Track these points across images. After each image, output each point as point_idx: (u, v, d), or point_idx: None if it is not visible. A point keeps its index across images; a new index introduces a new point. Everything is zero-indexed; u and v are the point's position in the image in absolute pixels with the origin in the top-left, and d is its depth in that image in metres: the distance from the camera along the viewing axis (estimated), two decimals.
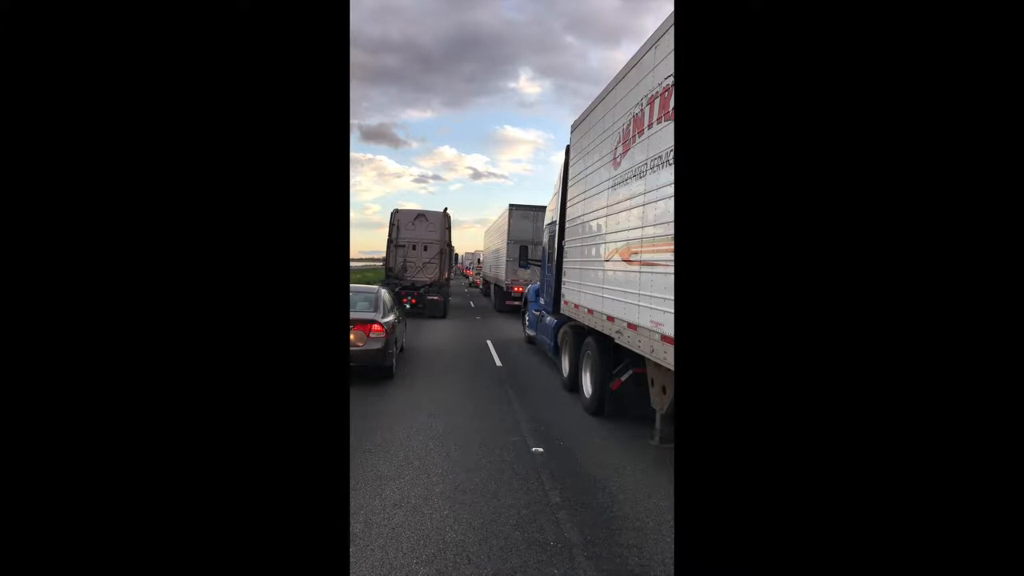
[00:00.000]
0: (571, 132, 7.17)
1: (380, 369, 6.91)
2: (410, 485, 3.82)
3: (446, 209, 14.80)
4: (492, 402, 6.30)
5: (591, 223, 5.91)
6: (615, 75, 5.38)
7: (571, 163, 7.08)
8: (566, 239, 7.16)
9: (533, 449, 4.69)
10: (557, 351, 7.76)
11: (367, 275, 37.49)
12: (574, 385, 6.64)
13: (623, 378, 5.33)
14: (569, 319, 7.04)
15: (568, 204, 7.07)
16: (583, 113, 6.59)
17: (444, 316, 14.56)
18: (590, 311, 5.83)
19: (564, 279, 7.21)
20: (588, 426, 5.50)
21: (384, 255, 15.25)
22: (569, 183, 7.07)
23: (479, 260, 33.14)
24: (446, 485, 3.85)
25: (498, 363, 8.80)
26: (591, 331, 5.93)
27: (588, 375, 6.09)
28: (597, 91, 6.09)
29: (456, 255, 23.14)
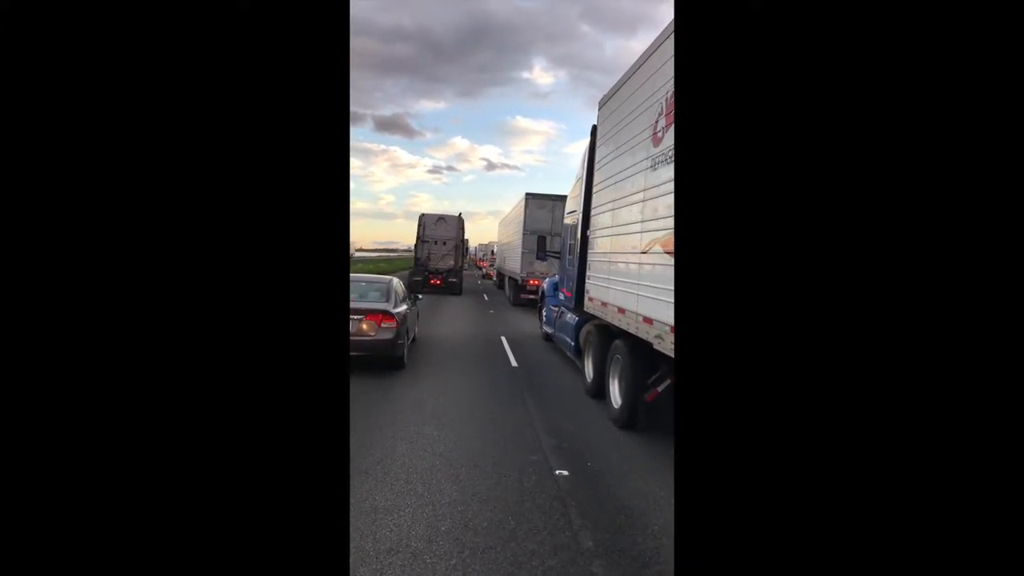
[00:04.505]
0: (599, 109, 6.42)
1: (391, 359, 6.81)
2: (411, 521, 3.17)
3: (460, 214, 20.17)
4: (507, 410, 5.63)
5: (623, 210, 5.18)
6: (653, 40, 4.64)
7: (598, 144, 6.34)
8: (591, 228, 6.44)
9: (556, 472, 4.02)
10: (579, 352, 7.07)
11: (380, 265, 36.94)
12: (599, 391, 5.94)
13: (660, 388, 4.62)
14: (593, 317, 6.35)
15: (594, 190, 6.34)
16: (613, 87, 5.85)
17: (460, 293, 19.34)
18: (620, 310, 5.12)
19: (589, 273, 6.49)
20: (619, 442, 4.80)
21: (404, 247, 19.05)
22: (596, 166, 6.34)
23: (492, 252, 32.52)
24: (454, 521, 3.20)
25: (513, 363, 8.12)
26: (621, 332, 5.22)
27: (617, 382, 5.39)
28: (613, 81, 5.37)
29: (468, 248, 25.62)
